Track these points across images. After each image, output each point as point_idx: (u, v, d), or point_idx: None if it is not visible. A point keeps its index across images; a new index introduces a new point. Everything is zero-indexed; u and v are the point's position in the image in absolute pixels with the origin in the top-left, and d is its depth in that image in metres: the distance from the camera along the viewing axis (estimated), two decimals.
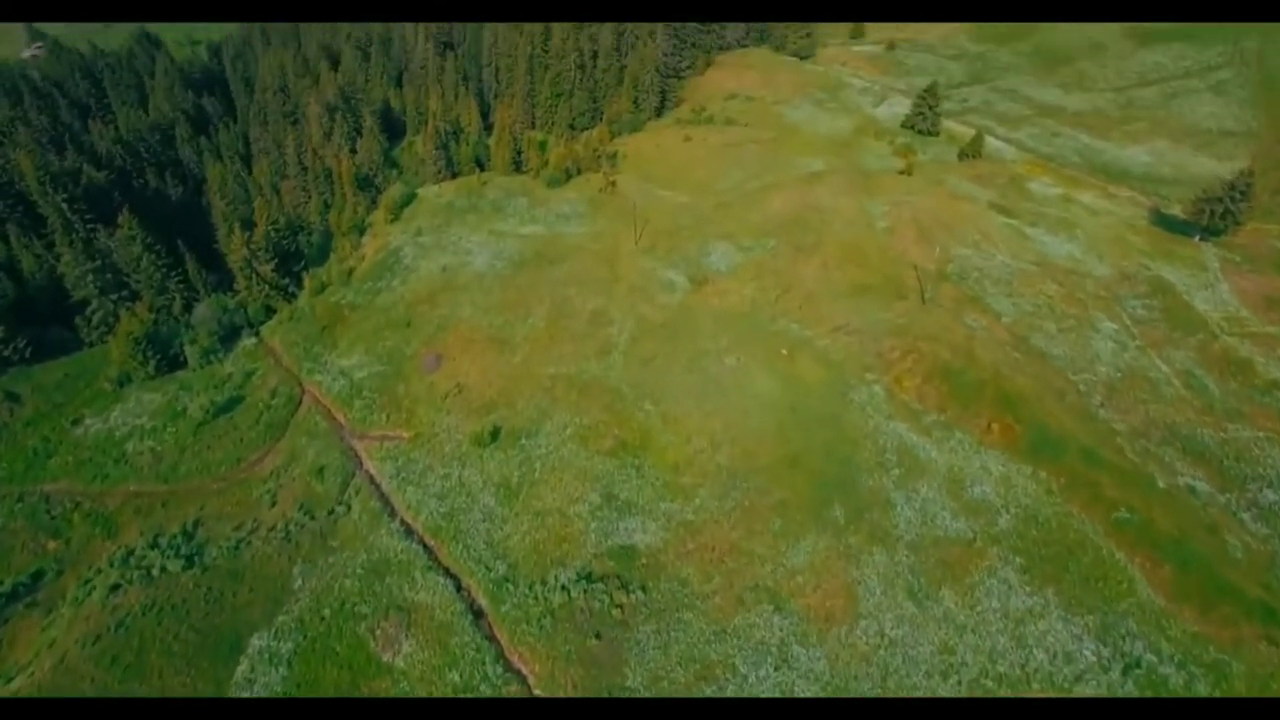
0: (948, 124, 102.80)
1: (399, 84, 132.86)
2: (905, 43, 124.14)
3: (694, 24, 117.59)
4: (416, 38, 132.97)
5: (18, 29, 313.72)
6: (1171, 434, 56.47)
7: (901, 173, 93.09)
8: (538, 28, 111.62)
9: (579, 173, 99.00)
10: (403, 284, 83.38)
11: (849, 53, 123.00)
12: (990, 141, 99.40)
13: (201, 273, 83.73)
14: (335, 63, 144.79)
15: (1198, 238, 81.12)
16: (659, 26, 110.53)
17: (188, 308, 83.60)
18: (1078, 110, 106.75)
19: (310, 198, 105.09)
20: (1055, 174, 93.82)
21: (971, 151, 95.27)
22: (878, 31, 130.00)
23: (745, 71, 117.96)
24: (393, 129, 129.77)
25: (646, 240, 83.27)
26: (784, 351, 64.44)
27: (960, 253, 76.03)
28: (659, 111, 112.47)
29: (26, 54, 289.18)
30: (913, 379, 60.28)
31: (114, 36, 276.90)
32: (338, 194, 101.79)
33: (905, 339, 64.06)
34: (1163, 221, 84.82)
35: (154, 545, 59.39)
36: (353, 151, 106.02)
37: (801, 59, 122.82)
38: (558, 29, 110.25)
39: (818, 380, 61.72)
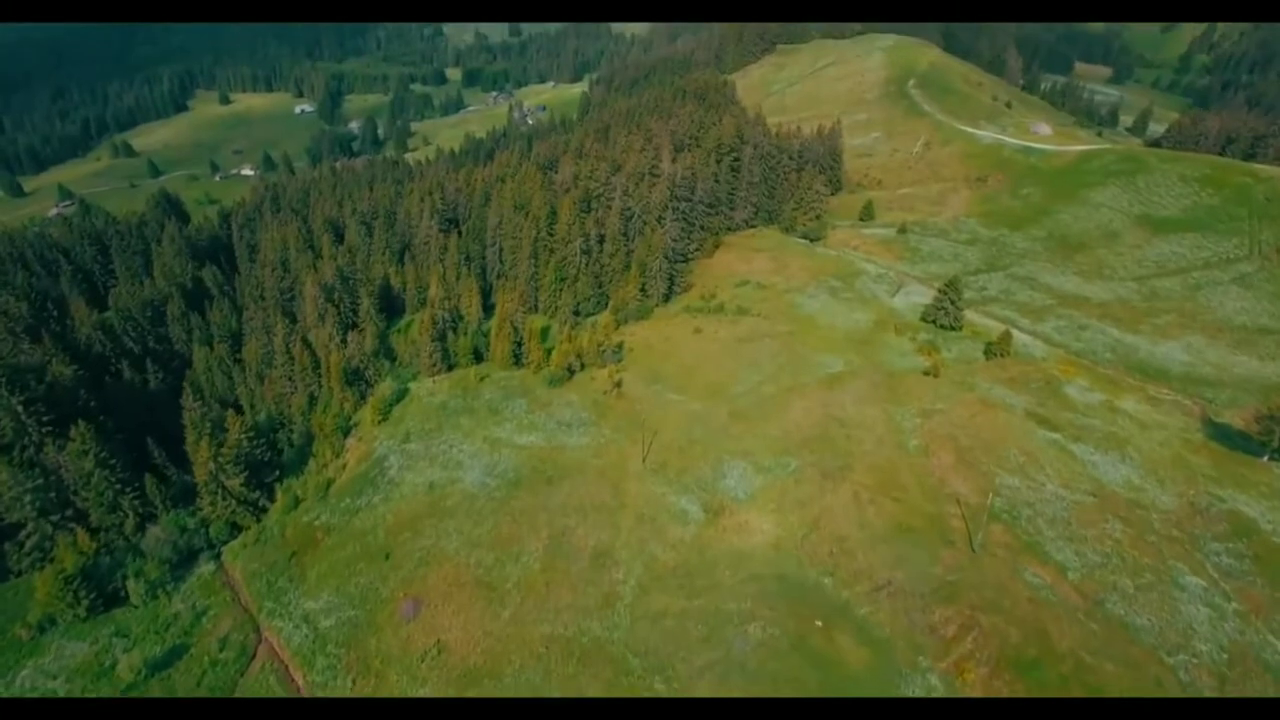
0: (970, 316, 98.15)
1: (401, 259, 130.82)
2: (916, 225, 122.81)
3: (701, 205, 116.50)
4: (421, 214, 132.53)
5: (51, 188, 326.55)
6: None
7: (927, 373, 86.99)
8: (543, 214, 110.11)
9: (582, 368, 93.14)
10: (385, 502, 74.87)
11: (860, 235, 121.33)
12: (1016, 335, 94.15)
13: (160, 488, 75.34)
14: (339, 235, 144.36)
15: (1266, 458, 73.25)
16: (669, 211, 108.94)
17: (142, 526, 74.67)
18: (1101, 300, 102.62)
19: (296, 389, 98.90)
20: (1091, 374, 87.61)
21: (1000, 350, 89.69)
22: (886, 213, 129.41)
23: (755, 255, 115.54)
24: (392, 306, 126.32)
25: (655, 456, 75.52)
26: (818, 623, 54.65)
27: (1007, 482, 67.85)
28: (667, 297, 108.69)
29: (54, 212, 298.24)
30: (976, 667, 50.12)
31: (139, 197, 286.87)
32: (324, 388, 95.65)
33: (960, 607, 54.45)
34: (1220, 435, 77.29)
35: None
36: (344, 342, 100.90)
37: (811, 241, 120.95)
38: (564, 213, 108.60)
39: (860, 665, 51.54)
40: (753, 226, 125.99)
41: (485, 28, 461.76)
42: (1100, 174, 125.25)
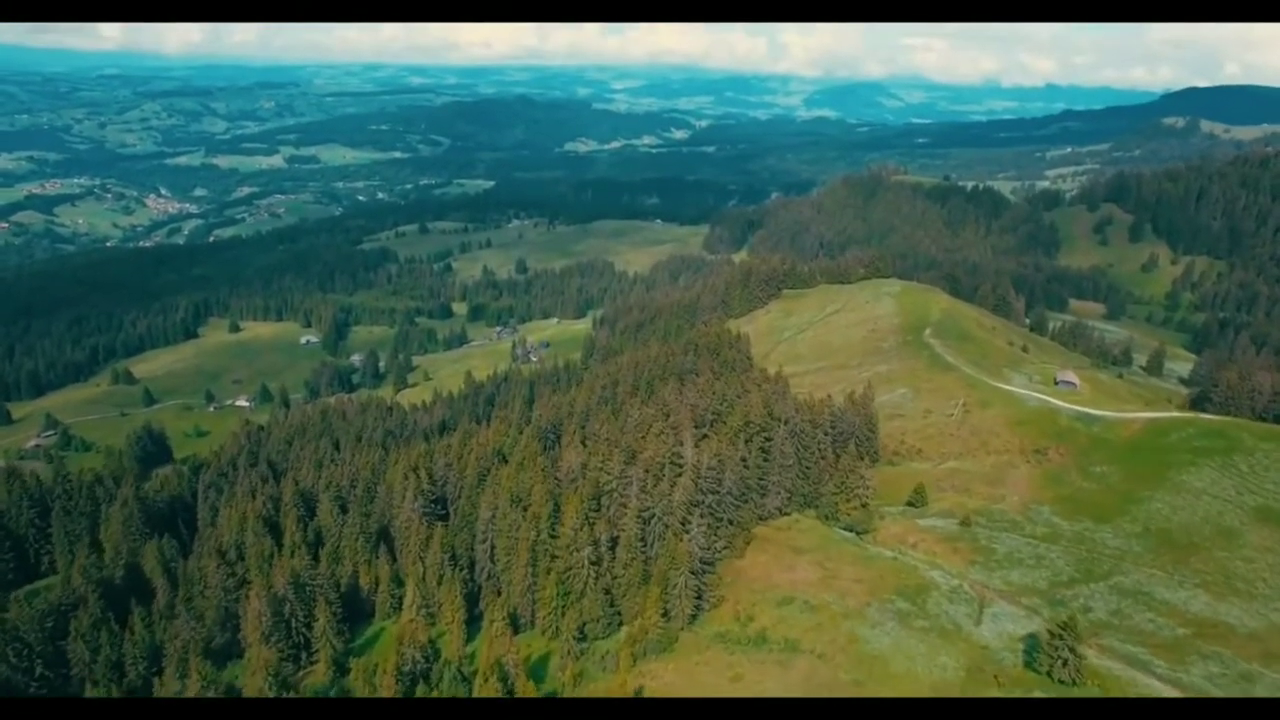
0: (1089, 655, 76.22)
1: (377, 548, 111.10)
2: (980, 516, 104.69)
3: (730, 497, 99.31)
4: (405, 492, 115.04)
5: (38, 417, 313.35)
6: None
7: None
8: (544, 511, 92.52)
9: None
10: None
11: (916, 529, 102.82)
12: (1160, 688, 71.80)
13: None
14: (311, 510, 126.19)
15: None
16: (694, 512, 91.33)
17: None
18: (1250, 629, 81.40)
19: None
20: None
21: None
22: (939, 496, 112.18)
23: (796, 558, 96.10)
24: (358, 610, 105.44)
25: None
26: None
27: None
28: (693, 617, 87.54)
29: (32, 443, 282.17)
30: None
31: (127, 428, 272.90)
32: None
33: None
34: None
35: None
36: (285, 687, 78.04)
37: (859, 535, 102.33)
38: (570, 513, 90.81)
39: None
40: (787, 514, 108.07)
41: (492, 263, 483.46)
42: (1186, 451, 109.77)
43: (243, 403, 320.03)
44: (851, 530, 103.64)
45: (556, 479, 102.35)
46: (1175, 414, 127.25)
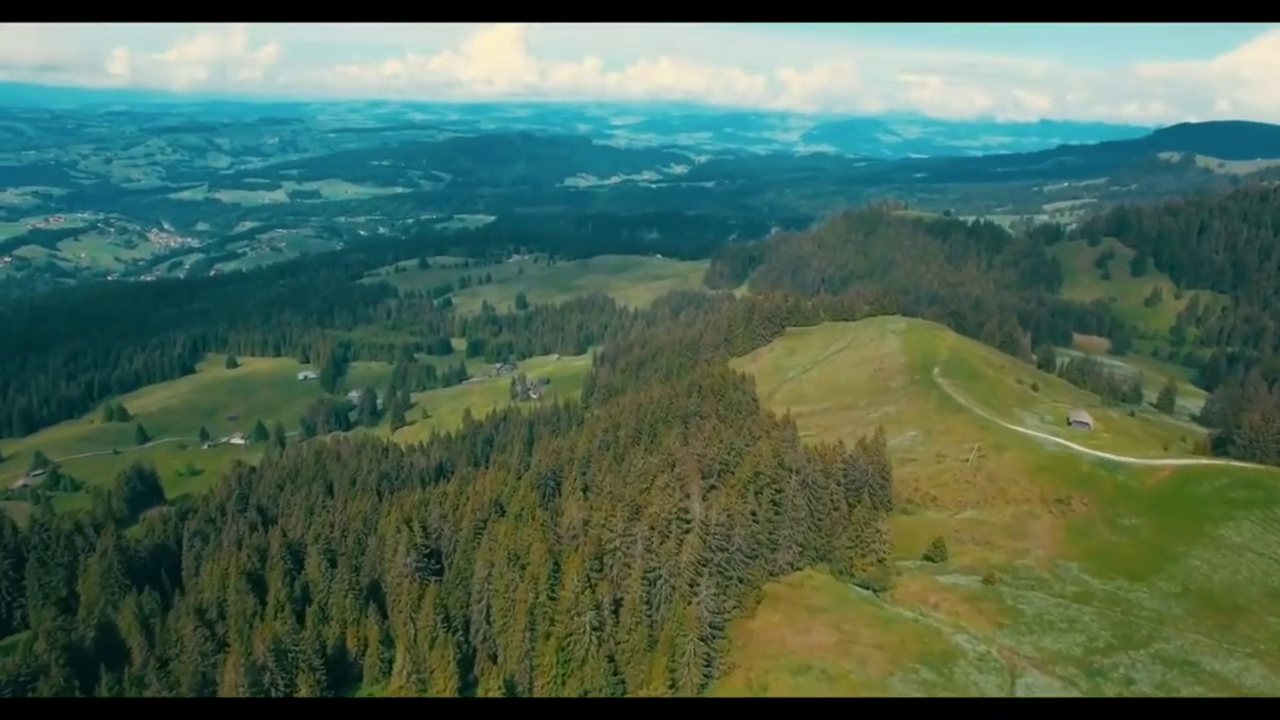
0: None
1: (366, 604, 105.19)
2: (1004, 573, 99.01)
3: (740, 554, 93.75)
4: (397, 546, 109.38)
5: (28, 455, 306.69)
6: None
7: None
8: (543, 571, 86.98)
9: None
10: None
11: (937, 586, 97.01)
12: None
13: None
14: (299, 562, 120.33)
15: None
16: (703, 573, 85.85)
17: None
18: None
19: None
20: None
21: None
22: (959, 550, 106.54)
23: (811, 620, 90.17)
24: (345, 674, 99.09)
25: None
26: None
27: None
28: (702, 686, 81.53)
29: (20, 483, 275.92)
30: None
31: (119, 466, 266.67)
32: None
33: None
34: None
35: None
36: None
37: (875, 593, 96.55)
38: (570, 574, 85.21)
39: None
40: (799, 569, 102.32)
41: (492, 299, 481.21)
42: (1222, 503, 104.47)
43: (238, 440, 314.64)
44: (868, 587, 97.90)
45: (557, 535, 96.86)
46: (1204, 461, 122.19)
